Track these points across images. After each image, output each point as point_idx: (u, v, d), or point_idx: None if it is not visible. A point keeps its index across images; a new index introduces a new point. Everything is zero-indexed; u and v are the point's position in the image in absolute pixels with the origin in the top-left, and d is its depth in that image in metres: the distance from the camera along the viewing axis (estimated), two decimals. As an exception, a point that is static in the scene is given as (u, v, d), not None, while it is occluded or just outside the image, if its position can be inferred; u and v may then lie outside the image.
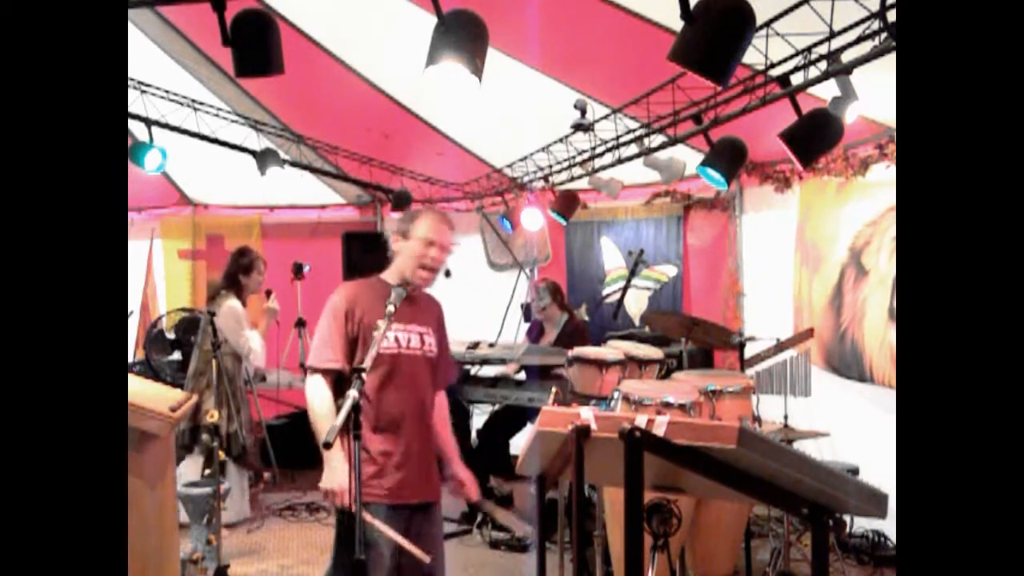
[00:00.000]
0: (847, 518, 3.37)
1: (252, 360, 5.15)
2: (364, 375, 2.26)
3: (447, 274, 2.87)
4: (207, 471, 4.73)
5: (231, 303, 5.01)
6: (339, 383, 2.75)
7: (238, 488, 5.37)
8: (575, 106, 4.90)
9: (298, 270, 6.81)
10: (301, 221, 7.96)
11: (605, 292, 6.96)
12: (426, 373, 2.87)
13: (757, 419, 3.95)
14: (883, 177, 4.67)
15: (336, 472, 2.64)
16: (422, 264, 2.81)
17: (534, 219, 6.71)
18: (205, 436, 4.73)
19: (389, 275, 2.88)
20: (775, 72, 3.79)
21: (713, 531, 3.61)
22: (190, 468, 4.97)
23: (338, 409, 2.19)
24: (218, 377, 4.60)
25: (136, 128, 5.70)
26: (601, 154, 5.51)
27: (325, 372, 2.75)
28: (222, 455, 4.56)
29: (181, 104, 5.78)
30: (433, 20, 2.95)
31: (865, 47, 3.24)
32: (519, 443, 5.27)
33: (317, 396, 2.74)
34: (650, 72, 4.34)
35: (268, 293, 5.35)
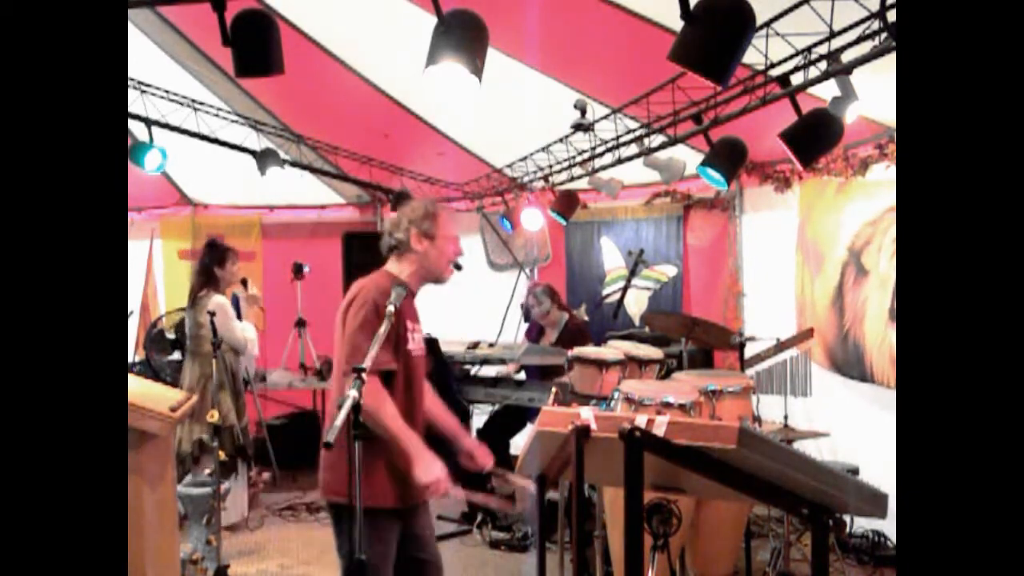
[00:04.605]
0: (847, 518, 3.36)
1: (249, 350, 5.07)
2: (363, 375, 2.22)
3: (458, 267, 2.92)
4: (207, 471, 4.72)
5: (217, 299, 4.86)
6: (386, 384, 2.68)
7: (242, 487, 5.35)
8: (575, 106, 4.90)
9: (298, 270, 6.80)
10: (301, 221, 7.96)
11: (605, 292, 6.95)
12: (423, 372, 2.91)
13: (757, 419, 3.95)
14: (883, 177, 4.67)
15: (431, 463, 2.58)
16: (452, 262, 2.86)
17: (534, 219, 6.70)
18: (205, 436, 4.72)
19: (408, 274, 2.78)
20: (775, 72, 3.79)
21: (713, 531, 3.61)
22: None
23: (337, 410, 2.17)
24: (219, 374, 4.59)
25: (136, 128, 5.70)
26: (601, 154, 5.51)
27: (382, 376, 2.62)
28: (222, 455, 4.55)
29: (181, 104, 5.78)
30: (433, 20, 2.96)
31: (865, 47, 3.25)
32: (519, 443, 5.27)
33: (390, 407, 2.60)
34: (650, 72, 4.34)
35: (244, 282, 5.18)
